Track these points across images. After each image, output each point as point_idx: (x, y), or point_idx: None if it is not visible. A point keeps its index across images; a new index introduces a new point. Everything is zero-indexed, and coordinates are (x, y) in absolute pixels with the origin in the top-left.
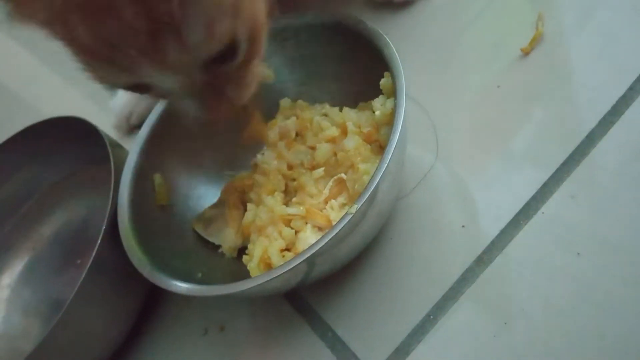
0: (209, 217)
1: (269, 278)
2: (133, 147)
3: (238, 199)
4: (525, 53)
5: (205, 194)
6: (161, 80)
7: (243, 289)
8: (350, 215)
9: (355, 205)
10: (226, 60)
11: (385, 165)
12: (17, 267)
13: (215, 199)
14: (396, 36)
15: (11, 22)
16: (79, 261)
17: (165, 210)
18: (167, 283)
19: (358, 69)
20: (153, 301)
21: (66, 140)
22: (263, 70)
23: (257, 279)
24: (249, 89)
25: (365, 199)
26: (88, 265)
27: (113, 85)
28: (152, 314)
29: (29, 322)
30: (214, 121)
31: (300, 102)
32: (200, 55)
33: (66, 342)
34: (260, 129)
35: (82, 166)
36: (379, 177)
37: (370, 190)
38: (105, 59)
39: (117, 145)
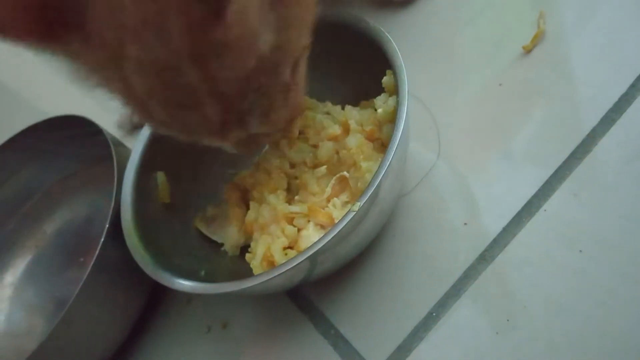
0: (212, 216)
1: (272, 276)
2: (136, 145)
3: (240, 197)
4: (527, 51)
5: (207, 192)
6: (218, 144)
7: (246, 286)
8: (353, 213)
9: (358, 203)
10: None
11: (388, 163)
12: (19, 265)
13: (217, 198)
14: (398, 34)
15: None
16: (81, 259)
17: (168, 208)
18: (171, 281)
19: (360, 67)
20: (156, 299)
21: (68, 139)
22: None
23: (260, 276)
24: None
25: (367, 196)
26: (91, 264)
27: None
28: (154, 312)
29: (32, 320)
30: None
31: (306, 98)
32: (252, 132)
33: (69, 340)
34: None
35: (85, 165)
36: (382, 175)
37: (373, 188)
38: (170, 128)
39: (119, 144)
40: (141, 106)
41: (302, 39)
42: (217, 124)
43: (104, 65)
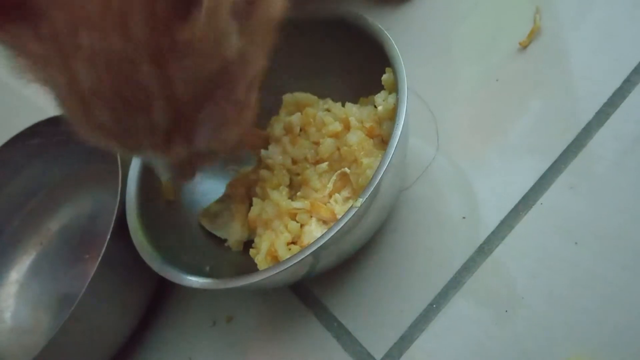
0: (215, 212)
1: (277, 271)
2: None
3: (243, 194)
4: (523, 46)
5: (210, 189)
6: (154, 159)
7: (252, 281)
8: (356, 209)
9: (360, 199)
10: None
11: (389, 160)
12: (25, 262)
13: (220, 194)
14: (396, 30)
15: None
16: (87, 256)
17: (172, 205)
18: (179, 277)
19: (359, 63)
20: (161, 294)
21: (72, 137)
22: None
23: (266, 271)
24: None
25: (369, 193)
26: (98, 261)
27: (93, 144)
28: (160, 307)
29: (38, 316)
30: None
31: (308, 95)
32: (196, 150)
33: (77, 336)
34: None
35: (88, 162)
36: (383, 172)
37: (374, 185)
38: (109, 134)
39: None
40: (82, 104)
41: (260, 59)
42: (163, 132)
43: (49, 56)
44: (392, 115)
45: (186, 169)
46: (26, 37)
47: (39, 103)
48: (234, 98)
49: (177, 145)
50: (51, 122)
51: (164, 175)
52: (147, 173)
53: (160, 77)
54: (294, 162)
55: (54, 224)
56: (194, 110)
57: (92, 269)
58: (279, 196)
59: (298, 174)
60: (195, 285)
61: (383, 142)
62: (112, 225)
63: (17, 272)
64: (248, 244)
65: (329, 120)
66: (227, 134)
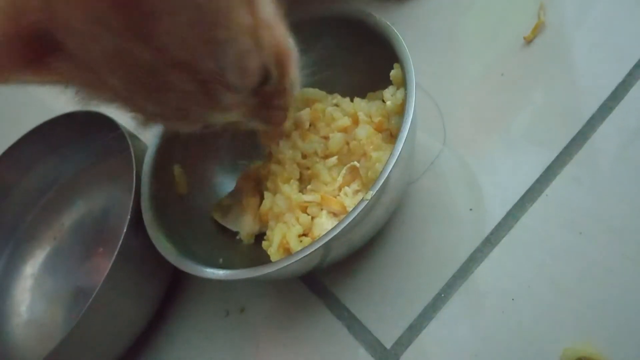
0: (227, 205)
1: (290, 262)
2: (152, 139)
3: (254, 187)
4: (528, 42)
5: (221, 183)
6: (224, 117)
7: (267, 272)
8: (366, 202)
9: (371, 192)
10: (265, 82)
11: (398, 154)
12: (39, 256)
13: (230, 188)
14: (403, 26)
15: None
16: (100, 250)
17: (185, 199)
18: (196, 269)
19: (366, 59)
20: (175, 286)
21: (85, 133)
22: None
23: (279, 262)
24: (291, 96)
25: (379, 186)
26: (115, 254)
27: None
28: (174, 298)
29: (53, 309)
30: (276, 129)
31: (316, 90)
32: (244, 90)
33: (95, 327)
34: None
35: (101, 158)
36: (392, 166)
37: (384, 178)
38: (173, 118)
39: (134, 137)
40: (131, 103)
41: None
42: (196, 92)
43: (90, 79)
44: (400, 110)
45: (271, 112)
46: (69, 70)
47: (50, 102)
48: (237, 27)
49: (221, 95)
50: (63, 120)
51: (257, 126)
52: (159, 168)
53: (154, 51)
54: (304, 156)
55: (68, 219)
56: (206, 60)
57: (106, 262)
58: (290, 190)
59: (308, 168)
60: (212, 277)
61: (391, 136)
62: (128, 219)
63: (32, 267)
64: (259, 236)
65: (338, 115)
66: (255, 61)
